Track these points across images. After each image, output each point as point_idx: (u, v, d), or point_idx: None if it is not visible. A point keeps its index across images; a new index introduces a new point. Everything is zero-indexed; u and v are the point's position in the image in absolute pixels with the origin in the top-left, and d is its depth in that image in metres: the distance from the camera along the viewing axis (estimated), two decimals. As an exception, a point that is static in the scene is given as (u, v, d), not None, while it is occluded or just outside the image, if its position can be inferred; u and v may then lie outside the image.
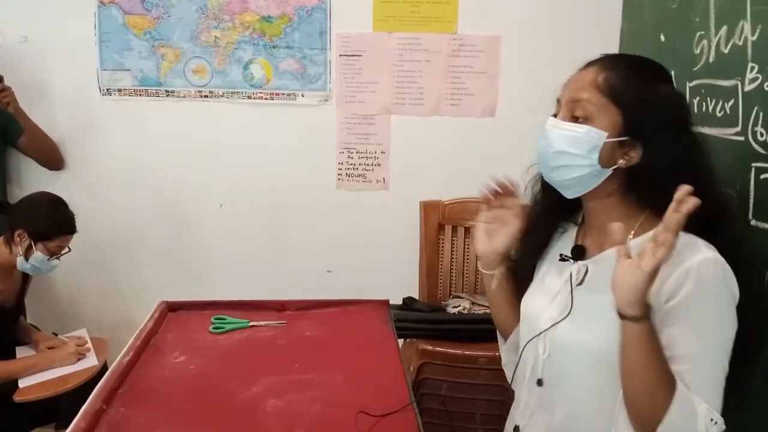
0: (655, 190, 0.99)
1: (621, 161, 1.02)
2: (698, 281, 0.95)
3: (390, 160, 2.67)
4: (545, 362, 1.10)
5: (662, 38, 1.69)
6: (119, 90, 2.62)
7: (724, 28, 1.32)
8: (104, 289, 2.74)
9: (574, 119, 1.03)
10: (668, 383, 0.91)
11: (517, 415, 1.19)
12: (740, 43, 1.25)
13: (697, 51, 1.43)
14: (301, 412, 0.98)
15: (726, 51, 1.31)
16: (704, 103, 1.39)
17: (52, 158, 2.63)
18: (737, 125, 1.25)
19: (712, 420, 0.92)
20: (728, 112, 1.29)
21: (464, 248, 2.57)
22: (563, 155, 1.04)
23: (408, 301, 2.45)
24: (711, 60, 1.38)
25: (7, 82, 2.46)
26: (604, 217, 1.06)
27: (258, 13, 2.56)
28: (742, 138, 1.24)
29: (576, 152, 1.02)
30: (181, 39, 2.57)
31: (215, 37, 2.58)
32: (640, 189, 1.03)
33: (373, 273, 2.67)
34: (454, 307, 2.39)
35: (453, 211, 2.58)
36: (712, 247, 0.99)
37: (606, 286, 0.95)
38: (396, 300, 2.37)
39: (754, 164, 1.23)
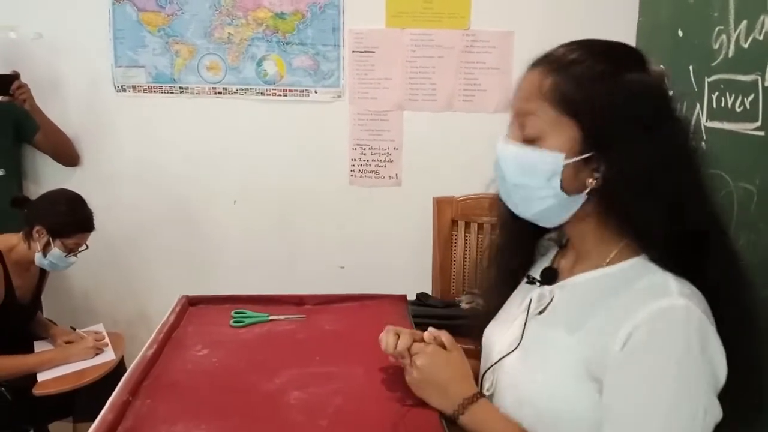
0: (622, 210, 0.84)
1: (590, 181, 0.84)
2: (647, 336, 0.76)
3: (403, 156, 2.68)
4: (490, 399, 0.96)
5: (680, 33, 1.69)
6: (133, 87, 2.63)
7: (744, 22, 1.32)
8: (118, 285, 2.76)
9: (526, 140, 0.86)
10: None
11: None
12: (761, 38, 1.25)
13: (716, 46, 1.43)
14: (325, 404, 0.99)
15: (746, 46, 1.31)
16: (723, 99, 1.38)
17: (67, 154, 2.65)
18: (758, 120, 1.25)
19: None
20: (748, 107, 1.28)
21: (477, 244, 2.57)
22: (522, 188, 0.87)
23: (422, 297, 2.46)
24: (730, 55, 1.38)
25: (22, 79, 2.48)
26: (582, 241, 0.92)
27: (271, 10, 2.56)
28: (762, 133, 1.24)
29: (532, 183, 0.85)
30: (195, 36, 2.59)
31: (229, 33, 2.59)
32: (617, 210, 0.85)
33: (386, 269, 2.68)
34: (468, 302, 2.40)
35: (466, 207, 2.58)
36: (691, 293, 0.79)
37: (565, 319, 0.86)
38: (409, 296, 2.38)
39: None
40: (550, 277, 0.96)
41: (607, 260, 0.88)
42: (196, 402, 0.98)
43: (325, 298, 1.44)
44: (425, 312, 2.30)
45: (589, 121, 0.82)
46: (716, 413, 0.77)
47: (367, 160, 2.69)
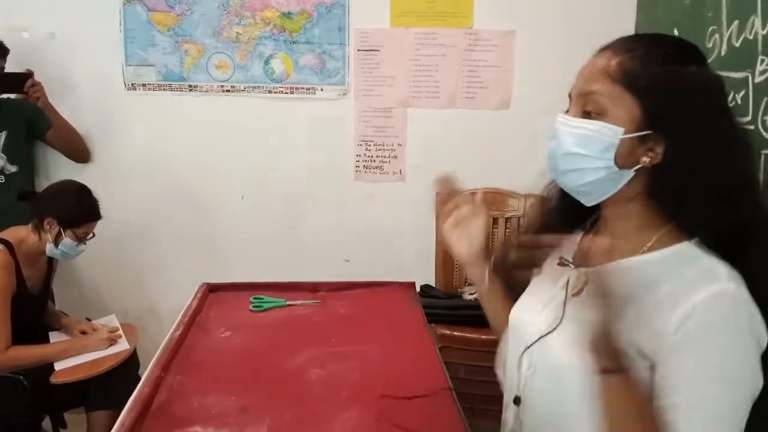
0: (676, 194, 0.86)
1: (644, 159, 0.86)
2: (704, 319, 0.81)
3: (407, 152, 2.74)
4: (528, 379, 0.98)
5: (676, 32, 1.76)
6: (144, 85, 2.69)
7: (736, 22, 1.39)
8: (129, 278, 2.82)
9: (586, 114, 0.88)
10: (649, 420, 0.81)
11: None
12: (751, 37, 1.32)
13: (710, 44, 1.50)
14: (343, 379, 1.06)
15: (737, 44, 1.38)
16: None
17: (78, 151, 2.70)
18: (748, 115, 1.33)
19: None
20: (739, 102, 1.36)
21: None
22: (574, 157, 0.89)
23: (425, 289, 2.53)
24: (723, 53, 1.45)
25: (35, 78, 2.53)
26: (621, 224, 0.93)
27: (278, 10, 2.63)
28: (752, 127, 1.31)
29: (588, 153, 0.87)
30: (204, 35, 2.65)
31: (237, 32, 2.65)
32: (664, 193, 0.87)
33: (390, 262, 2.74)
34: (470, 293, 2.47)
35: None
36: (735, 276, 0.83)
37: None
38: (414, 288, 2.45)
39: (763, 151, 1.29)
40: (582, 258, 0.97)
41: (647, 246, 0.89)
42: (224, 377, 1.05)
43: (337, 285, 1.51)
44: (429, 303, 2.37)
45: (650, 100, 0.85)
46: (760, 384, 0.83)
47: (372, 156, 2.75)
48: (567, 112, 0.93)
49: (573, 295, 0.95)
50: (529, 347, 0.97)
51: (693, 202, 0.84)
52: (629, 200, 0.90)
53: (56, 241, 2.12)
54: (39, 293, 2.27)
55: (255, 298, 1.40)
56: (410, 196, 2.75)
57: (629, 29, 2.39)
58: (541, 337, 0.95)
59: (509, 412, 1.04)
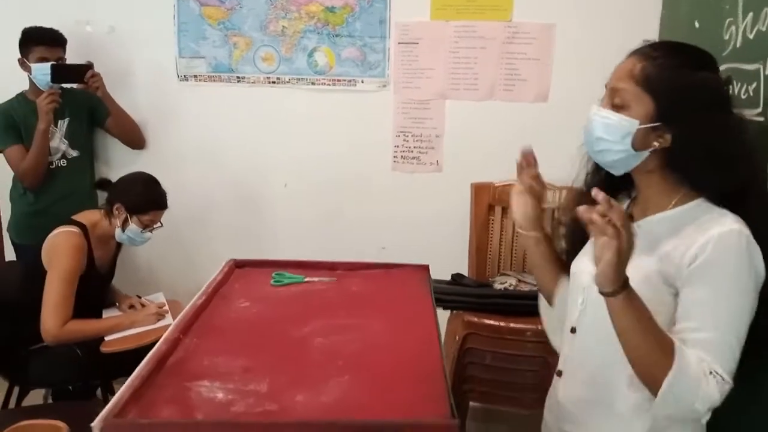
0: (689, 168, 1.11)
1: (655, 143, 1.11)
2: (718, 249, 1.04)
3: (444, 144, 2.79)
4: (581, 312, 1.22)
5: (696, 25, 1.76)
6: (195, 76, 2.85)
7: (750, 14, 1.38)
8: (179, 259, 2.99)
9: (614, 107, 1.13)
10: (662, 345, 1.00)
11: (559, 363, 1.32)
12: (764, 29, 1.31)
13: (726, 37, 1.50)
14: (343, 349, 1.14)
15: (751, 36, 1.38)
16: (731, 86, 1.45)
17: (134, 138, 2.88)
18: (758, 106, 1.32)
19: (712, 373, 1.00)
20: (751, 94, 1.35)
21: (513, 229, 2.67)
22: (601, 141, 1.14)
23: (456, 277, 2.57)
24: (738, 45, 1.44)
25: (95, 69, 2.71)
26: (648, 189, 1.18)
27: (322, 4, 2.72)
28: (762, 119, 1.31)
29: (611, 138, 1.13)
30: (252, 29, 2.77)
31: (283, 26, 2.76)
32: (676, 168, 1.12)
33: (424, 250, 2.76)
34: (501, 283, 2.50)
35: (504, 193, 2.67)
36: (741, 221, 1.07)
37: (641, 247, 1.06)
38: (445, 276, 2.50)
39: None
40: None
41: (671, 205, 1.14)
42: (236, 342, 1.15)
43: (354, 264, 1.60)
44: (459, 291, 2.42)
45: (663, 99, 1.09)
46: (755, 305, 1.06)
47: (410, 147, 2.82)
48: (601, 101, 1.17)
49: None
50: (584, 289, 1.21)
51: (695, 173, 1.10)
52: (649, 172, 1.16)
53: (123, 227, 2.29)
54: (105, 272, 2.46)
55: (276, 274, 1.50)
56: (446, 186, 2.80)
57: (655, 22, 2.38)
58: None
59: (567, 342, 1.28)
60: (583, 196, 1.23)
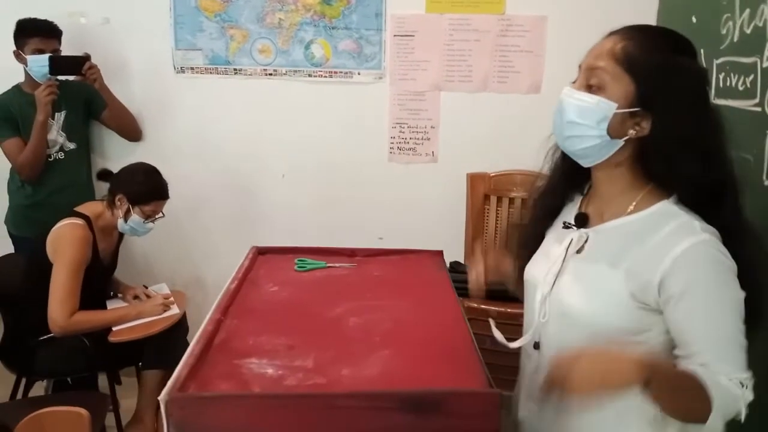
0: (661, 162, 1.01)
1: (631, 131, 1.01)
2: (690, 270, 0.97)
3: (439, 135, 2.85)
4: (543, 326, 1.12)
5: (693, 19, 1.85)
6: (191, 68, 2.86)
7: (747, 10, 1.47)
8: (176, 250, 3.01)
9: (589, 88, 1.02)
10: (698, 393, 0.94)
11: (520, 378, 1.27)
12: (761, 24, 1.40)
13: (724, 31, 1.58)
14: (377, 326, 1.20)
15: (748, 31, 1.46)
16: (729, 79, 1.54)
17: (131, 130, 2.89)
18: (756, 97, 1.41)
19: (741, 384, 0.96)
20: (748, 86, 1.44)
21: (508, 217, 2.75)
22: (574, 125, 1.03)
23: (454, 265, 2.63)
24: (735, 39, 1.53)
25: (92, 61, 2.71)
26: (610, 186, 1.08)
27: (319, -4, 2.76)
28: (759, 109, 1.40)
29: (585, 123, 1.02)
30: (249, 21, 2.80)
31: (279, 19, 2.79)
32: (648, 161, 1.03)
33: (421, 240, 2.81)
34: (499, 270, 2.58)
35: (499, 183, 2.76)
36: (707, 227, 1.00)
37: (604, 256, 1.02)
38: (444, 264, 2.57)
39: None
40: (582, 220, 1.12)
41: (632, 205, 1.06)
42: (274, 322, 1.20)
43: (372, 251, 1.66)
44: (457, 278, 2.48)
45: (643, 80, 1.00)
46: (742, 295, 0.99)
47: (406, 138, 2.88)
48: (574, 83, 1.07)
49: (576, 252, 1.11)
50: (541, 299, 1.12)
51: (673, 166, 1.00)
52: (617, 165, 1.06)
53: (126, 217, 2.31)
54: (108, 264, 2.47)
55: (299, 260, 1.55)
56: (442, 176, 2.86)
57: (651, 16, 2.47)
58: (551, 289, 1.11)
59: (530, 357, 1.19)
60: (544, 193, 1.21)
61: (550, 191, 1.20)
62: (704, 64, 1.62)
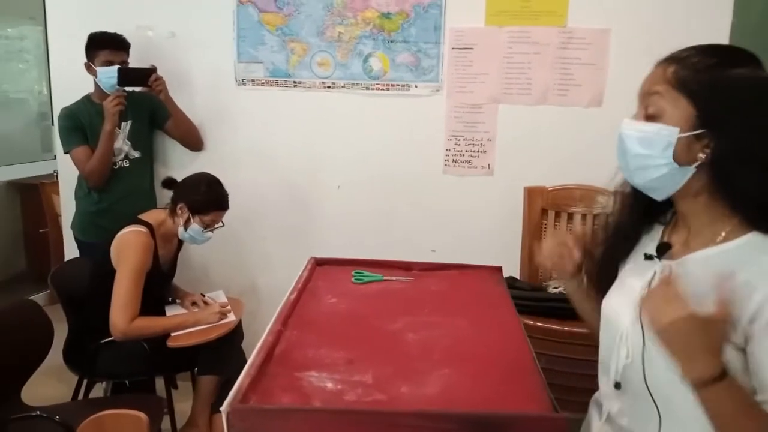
0: (730, 184, 0.95)
1: (700, 155, 0.96)
2: None
3: (496, 147, 2.82)
4: (626, 367, 1.05)
5: (771, 32, 1.77)
6: (253, 80, 2.92)
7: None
8: (233, 258, 3.06)
9: (648, 117, 0.99)
10: (758, 413, 0.89)
11: (599, 413, 1.17)
12: None
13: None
14: (436, 343, 1.18)
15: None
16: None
17: (193, 140, 2.96)
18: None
19: None
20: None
21: (566, 233, 2.69)
22: (639, 157, 1.00)
23: (510, 281, 2.60)
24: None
25: (158, 73, 2.80)
26: (695, 219, 1.02)
27: (378, 10, 2.78)
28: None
29: (649, 153, 0.98)
30: (309, 34, 2.84)
31: (339, 32, 2.82)
32: (726, 186, 0.96)
33: (475, 253, 2.78)
34: (555, 287, 2.53)
35: (557, 197, 2.70)
36: None
37: (691, 291, 0.91)
38: (499, 279, 2.53)
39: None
40: (664, 250, 1.05)
41: (721, 236, 0.98)
42: (333, 334, 1.20)
43: (429, 265, 1.64)
44: (514, 294, 2.42)
45: (701, 101, 0.95)
46: None
47: (461, 151, 2.86)
48: (634, 116, 1.03)
49: None
50: (626, 337, 1.05)
51: (747, 192, 0.93)
52: (696, 195, 1.00)
53: (186, 226, 2.37)
54: (168, 270, 2.54)
55: (356, 272, 1.55)
56: (498, 190, 2.83)
57: (724, 30, 2.38)
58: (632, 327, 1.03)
59: (608, 397, 1.12)
60: (615, 227, 1.14)
61: (620, 227, 1.15)
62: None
